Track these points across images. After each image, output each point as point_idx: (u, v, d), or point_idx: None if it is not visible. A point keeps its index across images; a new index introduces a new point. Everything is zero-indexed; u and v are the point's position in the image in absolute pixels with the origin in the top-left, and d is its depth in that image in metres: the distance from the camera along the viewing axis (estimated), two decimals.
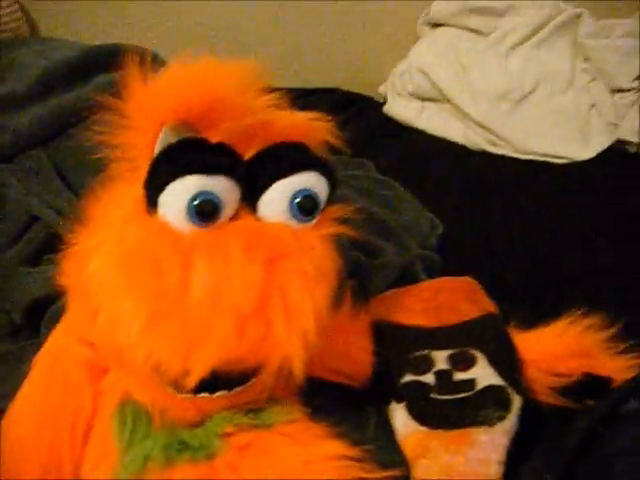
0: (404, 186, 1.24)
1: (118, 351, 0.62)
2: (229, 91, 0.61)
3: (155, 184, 0.58)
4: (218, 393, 0.64)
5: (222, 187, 0.58)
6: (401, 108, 1.61)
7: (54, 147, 1.09)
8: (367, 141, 1.40)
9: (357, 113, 1.60)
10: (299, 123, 0.67)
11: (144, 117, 0.61)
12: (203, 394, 0.63)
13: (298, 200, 0.61)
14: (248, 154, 0.62)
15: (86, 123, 1.04)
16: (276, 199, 0.61)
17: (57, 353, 0.71)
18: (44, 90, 1.11)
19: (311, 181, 0.62)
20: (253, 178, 0.61)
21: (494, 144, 1.48)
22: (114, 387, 0.68)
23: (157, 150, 0.60)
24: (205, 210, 0.57)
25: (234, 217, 0.60)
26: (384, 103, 1.67)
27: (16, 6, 1.63)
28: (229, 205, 0.59)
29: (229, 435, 0.65)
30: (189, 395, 0.63)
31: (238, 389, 0.64)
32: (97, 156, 0.64)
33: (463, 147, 1.50)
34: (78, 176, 1.04)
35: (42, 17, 1.73)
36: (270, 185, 0.61)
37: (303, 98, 1.40)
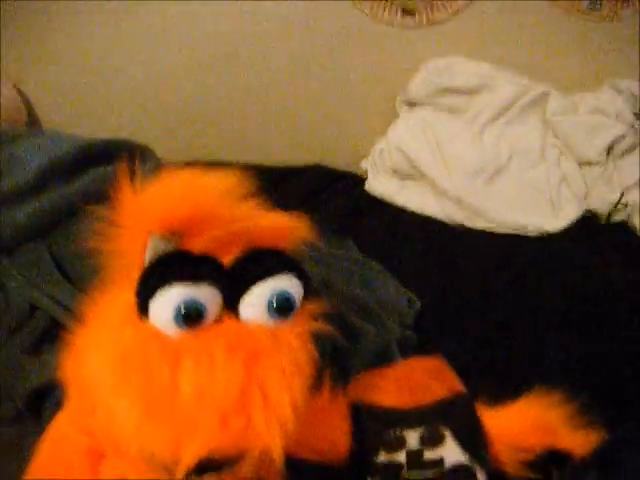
0: (384, 262, 1.29)
1: (115, 441, 0.67)
2: (212, 201, 0.68)
3: (145, 292, 0.65)
4: (207, 477, 0.68)
5: (205, 294, 0.65)
6: (381, 185, 1.66)
7: (53, 240, 1.15)
8: (349, 217, 1.45)
9: (340, 191, 1.66)
10: (278, 225, 0.74)
11: (133, 226, 0.67)
12: (193, 478, 0.68)
13: (275, 301, 0.67)
14: (229, 258, 0.69)
15: (82, 218, 1.09)
16: (255, 302, 0.67)
17: (59, 442, 0.76)
18: (42, 184, 1.16)
19: (286, 283, 0.69)
20: (233, 283, 0.67)
21: (471, 219, 1.53)
22: (112, 472, 0.72)
23: (147, 257, 0.66)
24: (191, 316, 0.64)
25: (217, 319, 0.66)
26: (366, 179, 1.72)
27: (14, 91, 1.70)
28: (212, 309, 0.66)
29: None
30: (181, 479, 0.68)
31: (225, 473, 0.69)
32: (92, 259, 0.70)
33: (441, 222, 1.55)
34: (76, 267, 1.10)
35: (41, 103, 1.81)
36: (249, 288, 0.67)
37: (286, 178, 1.47)
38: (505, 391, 0.89)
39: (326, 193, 1.59)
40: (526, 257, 1.41)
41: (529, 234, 1.49)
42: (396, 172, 1.66)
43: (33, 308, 1.06)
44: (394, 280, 1.24)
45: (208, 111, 1.82)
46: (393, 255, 1.35)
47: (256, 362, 0.64)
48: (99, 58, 1.78)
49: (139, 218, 0.67)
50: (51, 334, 1.01)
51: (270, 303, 0.68)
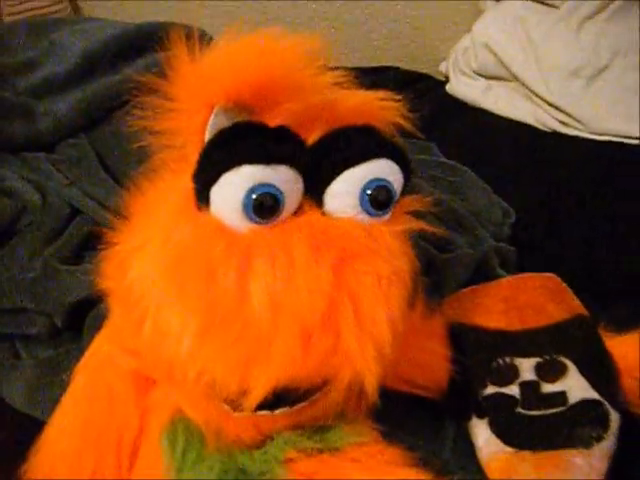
0: (473, 170, 1.16)
1: (167, 365, 0.55)
2: (287, 68, 0.54)
3: (207, 175, 0.51)
4: (279, 410, 0.57)
5: (284, 178, 0.51)
6: (465, 87, 1.53)
7: (97, 134, 1.03)
8: (430, 122, 1.32)
9: (418, 92, 1.53)
10: (366, 103, 0.60)
11: (192, 98, 0.54)
12: (262, 412, 0.56)
13: (370, 192, 0.54)
14: (311, 139, 0.55)
15: (130, 108, 0.98)
16: (345, 191, 0.54)
17: (100, 363, 0.65)
18: (85, 73, 1.06)
19: (384, 170, 0.55)
20: (318, 167, 0.54)
21: (566, 124, 1.39)
22: (163, 403, 0.61)
23: (208, 136, 0.53)
24: (265, 205, 0.50)
25: (297, 212, 0.53)
26: (445, 82, 1.60)
27: None
28: (291, 198, 0.52)
29: (292, 461, 0.58)
30: (247, 413, 0.56)
31: (302, 405, 0.57)
32: (142, 144, 0.57)
33: (533, 128, 1.41)
34: (123, 165, 0.98)
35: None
36: (338, 175, 0.54)
37: (360, 77, 1.34)
38: (629, 316, 0.75)
39: (403, 95, 1.45)
40: (629, 168, 1.25)
41: (631, 142, 1.33)
42: (482, 72, 1.52)
43: (74, 212, 0.95)
44: (486, 188, 1.10)
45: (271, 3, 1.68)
46: (482, 162, 1.20)
47: (347, 266, 0.51)
48: None
49: (199, 88, 0.53)
50: (94, 241, 0.88)
51: (364, 193, 0.54)
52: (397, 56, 1.74)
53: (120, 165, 0.99)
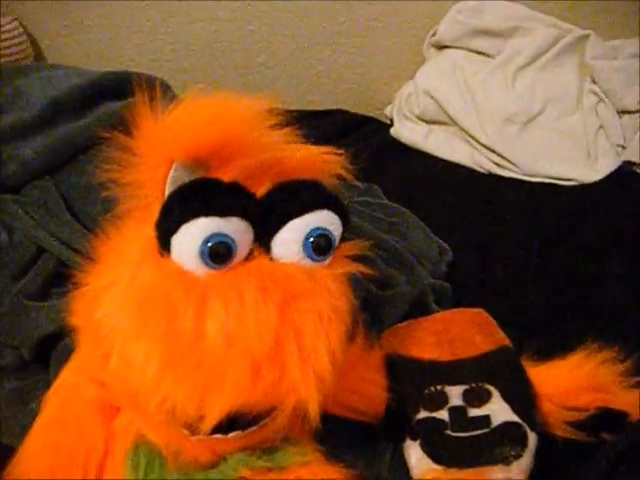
0: (411, 211, 1.22)
1: (131, 393, 0.61)
2: (242, 127, 0.61)
3: (168, 226, 0.58)
4: (232, 434, 0.63)
5: (236, 229, 0.58)
6: (408, 131, 1.59)
7: (61, 177, 1.07)
8: (374, 164, 1.38)
9: (363, 135, 1.59)
10: (310, 158, 0.66)
11: (153, 153, 0.60)
12: (217, 435, 0.62)
13: (312, 239, 0.60)
14: (260, 191, 0.61)
15: (95, 154, 1.03)
16: (290, 239, 0.60)
17: (68, 393, 0.70)
18: (51, 119, 1.09)
19: (325, 220, 0.61)
20: (266, 217, 0.60)
21: (501, 166, 1.46)
22: (127, 428, 0.67)
23: (168, 188, 0.59)
24: (219, 252, 0.57)
25: (248, 257, 0.59)
26: (390, 125, 1.66)
27: (20, 30, 1.63)
28: (242, 246, 0.58)
29: (244, 478, 0.64)
30: (203, 437, 0.62)
31: (252, 429, 0.63)
32: (105, 192, 0.63)
33: (471, 170, 1.49)
34: (86, 207, 1.03)
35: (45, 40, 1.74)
36: (284, 224, 0.60)
37: (308, 120, 1.40)
38: (552, 347, 0.83)
39: (349, 138, 1.51)
40: (560, 208, 1.33)
41: (563, 184, 1.41)
42: (424, 117, 1.59)
43: (40, 250, 0.99)
44: (425, 228, 1.16)
45: (223, 51, 1.73)
46: (422, 203, 1.27)
47: (291, 305, 0.57)
48: None
49: (160, 145, 0.59)
50: (59, 278, 0.94)
51: (307, 241, 0.60)
52: (345, 99, 1.79)
53: (83, 207, 1.03)
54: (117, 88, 1.13)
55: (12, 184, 1.07)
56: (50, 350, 0.86)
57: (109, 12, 1.72)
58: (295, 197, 0.61)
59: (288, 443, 0.67)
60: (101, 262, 0.65)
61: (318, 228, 0.61)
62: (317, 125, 1.44)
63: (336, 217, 0.62)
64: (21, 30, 1.65)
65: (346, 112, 1.72)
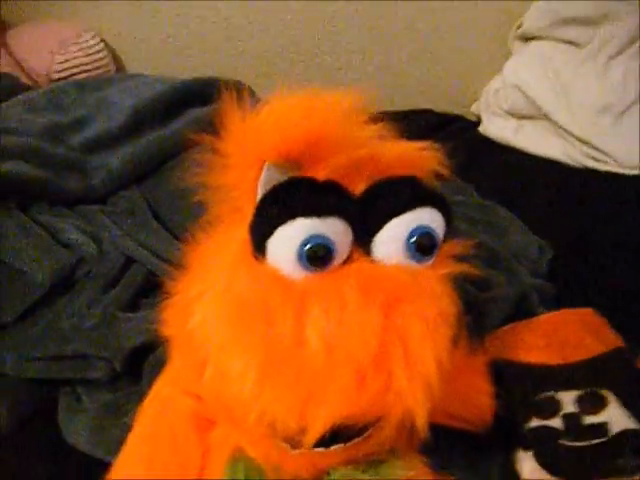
0: (508, 209, 1.19)
1: (228, 406, 0.58)
2: (334, 124, 0.57)
3: (263, 228, 0.54)
4: (334, 447, 0.59)
5: (335, 229, 0.54)
6: (497, 127, 1.55)
7: (148, 186, 1.07)
8: (464, 163, 1.34)
9: (451, 134, 1.55)
10: (407, 154, 0.63)
11: (244, 155, 0.57)
12: (319, 449, 0.58)
13: (415, 239, 0.56)
14: (356, 190, 0.58)
15: (181, 161, 1.02)
16: (391, 239, 0.57)
17: (162, 406, 0.68)
18: (136, 128, 1.09)
19: (428, 218, 0.58)
20: (365, 217, 0.57)
21: (597, 160, 1.40)
22: (223, 442, 0.64)
23: (260, 190, 0.56)
24: (318, 255, 0.53)
25: (347, 260, 0.56)
26: (478, 122, 1.63)
27: (101, 45, 1.65)
28: (342, 248, 0.55)
29: None
30: (304, 450, 0.58)
31: (355, 441, 0.60)
32: (194, 197, 0.60)
33: (564, 165, 1.44)
34: (174, 216, 1.02)
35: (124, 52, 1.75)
36: (384, 224, 0.57)
37: (393, 121, 1.36)
38: None
39: (437, 137, 1.47)
40: None
41: None
42: (513, 113, 1.54)
43: (129, 261, 0.98)
44: (522, 226, 1.12)
45: (308, 49, 1.71)
46: (516, 201, 1.23)
47: (396, 309, 0.53)
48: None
49: (251, 145, 0.57)
50: (149, 289, 0.94)
51: (409, 240, 0.57)
52: (430, 99, 1.75)
53: (171, 215, 1.03)
54: (202, 94, 1.12)
55: (99, 195, 1.07)
56: (142, 362, 0.85)
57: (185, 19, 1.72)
58: (395, 195, 0.58)
59: (393, 456, 0.64)
60: (192, 269, 0.62)
61: (421, 227, 0.57)
62: (403, 126, 1.40)
63: (439, 215, 0.58)
64: (102, 45, 1.66)
65: (432, 111, 1.69)
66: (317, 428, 0.52)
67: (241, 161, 0.57)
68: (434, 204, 0.58)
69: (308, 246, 0.53)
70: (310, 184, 0.55)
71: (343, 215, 0.55)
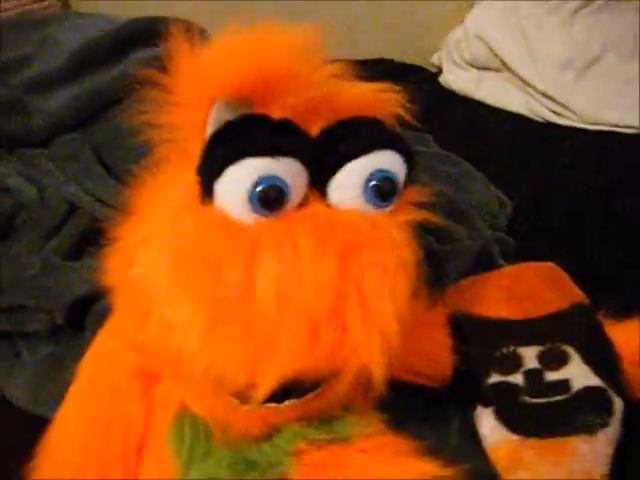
0: (467, 161, 1.16)
1: (174, 359, 0.55)
2: (289, 60, 0.53)
3: (211, 169, 0.51)
4: (286, 402, 0.56)
5: (289, 170, 0.50)
6: (458, 78, 1.54)
7: (92, 130, 1.03)
8: (423, 113, 1.31)
9: (411, 84, 1.50)
10: (366, 95, 0.59)
11: (193, 92, 0.53)
12: (269, 404, 0.55)
13: (374, 183, 0.53)
14: (312, 131, 0.54)
15: (127, 103, 0.97)
16: (349, 182, 0.53)
17: (104, 360, 0.65)
18: (79, 68, 1.05)
19: (388, 161, 0.54)
20: (321, 159, 0.53)
21: (559, 114, 1.39)
22: (168, 398, 0.61)
23: (210, 129, 0.52)
24: (270, 197, 0.50)
25: (301, 204, 0.52)
26: (438, 73, 1.61)
27: None
28: (296, 190, 0.51)
29: (301, 452, 0.58)
30: (254, 406, 0.55)
31: (308, 397, 0.57)
32: (140, 138, 0.56)
33: (526, 118, 1.43)
34: (119, 161, 0.98)
35: None
36: (342, 166, 0.53)
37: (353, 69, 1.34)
38: (627, 304, 0.76)
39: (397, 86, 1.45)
40: (622, 156, 1.26)
41: (625, 131, 1.34)
42: (474, 64, 1.53)
43: (72, 207, 0.94)
44: (483, 179, 1.09)
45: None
46: (476, 153, 1.20)
47: (352, 257, 0.51)
48: None
49: (200, 82, 0.53)
50: (93, 236, 0.88)
51: (368, 184, 0.53)
52: (389, 48, 1.73)
53: (115, 160, 0.99)
54: (150, 34, 1.07)
55: (39, 138, 1.02)
56: (84, 313, 0.81)
57: None
58: (354, 136, 0.54)
59: (348, 412, 0.61)
60: (136, 213, 0.58)
61: (381, 170, 0.54)
62: (361, 75, 1.38)
63: (400, 158, 0.55)
64: None
65: (391, 61, 1.67)
66: (267, 383, 0.50)
67: (190, 99, 0.53)
68: (395, 147, 0.55)
69: (259, 187, 0.49)
70: (263, 122, 0.52)
71: (298, 156, 0.51)
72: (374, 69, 1.45)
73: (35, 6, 1.56)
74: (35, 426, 0.65)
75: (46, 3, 1.57)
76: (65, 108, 1.02)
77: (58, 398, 0.66)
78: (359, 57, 1.58)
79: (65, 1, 1.65)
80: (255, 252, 0.49)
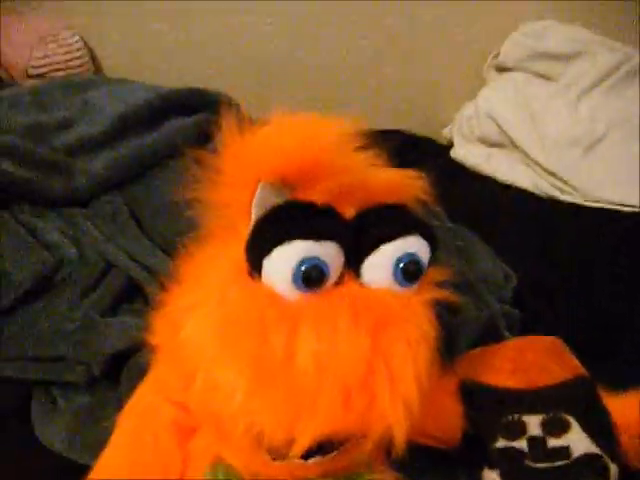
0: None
1: (215, 416, 0.60)
2: (329, 149, 0.60)
3: (260, 247, 0.57)
4: (312, 459, 0.61)
5: (329, 252, 0.56)
6: (468, 153, 1.59)
7: (131, 192, 1.08)
8: (436, 185, 1.36)
9: (422, 156, 1.56)
10: (394, 181, 0.65)
11: (241, 173, 0.59)
12: (298, 460, 0.60)
13: (403, 265, 0.59)
14: (346, 214, 0.60)
15: (166, 169, 1.02)
16: (380, 264, 0.59)
17: (144, 412, 0.69)
18: (121, 133, 1.10)
19: (415, 245, 0.60)
20: (356, 242, 0.59)
21: (562, 191, 1.45)
22: (205, 451, 0.66)
23: (255, 209, 0.58)
24: (312, 277, 0.56)
25: (337, 281, 0.58)
26: (449, 146, 1.66)
27: (81, 43, 1.65)
28: (334, 270, 0.57)
29: None
30: (284, 461, 0.60)
31: (333, 455, 0.62)
32: (184, 210, 0.62)
33: (531, 194, 1.48)
34: (155, 223, 1.03)
35: (105, 54, 1.75)
36: (375, 249, 0.59)
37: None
38: (625, 377, 0.82)
39: (408, 159, 1.50)
40: (625, 234, 1.31)
41: (626, 210, 1.39)
42: (484, 140, 1.58)
43: (109, 266, 0.99)
44: (490, 252, 1.15)
45: (293, 69, 1.74)
46: (484, 227, 1.26)
47: (383, 332, 0.56)
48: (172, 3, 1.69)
49: (248, 164, 0.59)
50: (128, 295, 0.95)
51: (397, 266, 0.59)
52: (402, 120, 1.78)
53: (153, 224, 1.03)
54: (187, 104, 1.13)
55: (81, 198, 1.07)
56: (120, 367, 0.85)
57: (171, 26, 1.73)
58: (386, 222, 0.60)
59: (369, 470, 0.66)
60: (184, 281, 0.64)
61: (408, 254, 0.60)
62: (373, 145, 1.42)
63: (425, 243, 0.61)
64: (81, 44, 1.66)
65: (402, 132, 1.71)
66: (303, 442, 0.55)
67: (237, 179, 0.59)
68: (421, 232, 0.61)
69: (303, 267, 0.55)
70: (308, 207, 0.58)
71: (337, 239, 0.57)
72: (387, 140, 1.51)
73: (65, 65, 1.61)
74: (70, 472, 0.70)
75: (78, 62, 1.62)
76: (106, 170, 1.07)
77: (94, 445, 0.70)
78: (373, 127, 1.65)
79: (98, 65, 1.71)
80: (297, 324, 0.55)
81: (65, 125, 1.13)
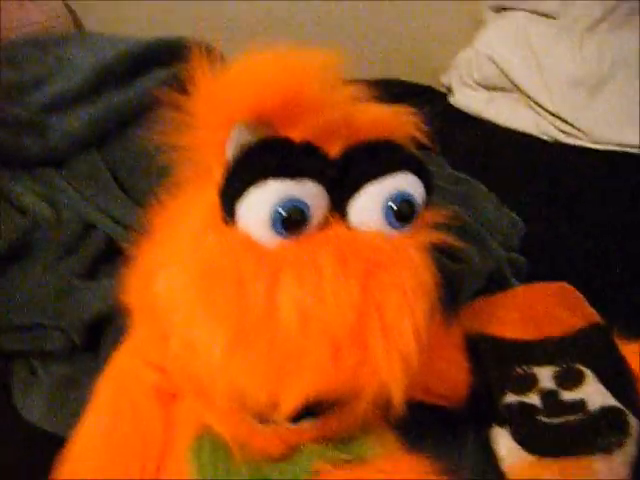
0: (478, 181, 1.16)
1: (194, 379, 0.55)
2: (308, 83, 0.54)
3: (233, 190, 0.51)
4: (305, 423, 0.56)
5: (310, 192, 0.51)
6: (468, 98, 1.54)
7: (109, 150, 1.03)
8: (436, 132, 1.32)
9: (420, 104, 1.51)
10: (384, 117, 0.60)
11: (214, 114, 0.54)
12: (288, 424, 0.55)
13: (394, 205, 0.54)
14: (331, 153, 0.55)
15: (144, 123, 0.98)
16: (369, 204, 0.54)
17: (122, 378, 0.65)
18: (96, 88, 1.05)
19: (407, 183, 0.55)
20: (342, 181, 0.53)
21: (568, 134, 1.40)
22: (188, 417, 0.61)
23: (230, 151, 0.53)
24: (292, 219, 0.50)
25: (322, 225, 0.53)
26: (447, 93, 1.61)
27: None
28: (317, 212, 0.52)
29: (320, 471, 0.58)
30: (274, 426, 0.56)
31: (327, 417, 0.57)
32: (158, 159, 0.57)
33: (535, 138, 1.43)
34: (136, 180, 0.98)
35: (86, 14, 1.69)
36: (362, 188, 0.54)
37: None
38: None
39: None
40: (634, 176, 1.26)
41: (635, 151, 1.34)
42: (484, 84, 1.53)
43: (88, 227, 0.94)
44: (494, 199, 1.10)
45: (279, 19, 1.69)
46: (487, 174, 1.20)
47: (374, 278, 0.51)
48: None
49: (221, 103, 0.53)
50: (109, 256, 0.90)
51: (388, 206, 0.54)
52: (398, 68, 1.73)
53: (132, 180, 0.99)
54: (168, 55, 1.08)
55: (57, 157, 1.02)
56: (101, 333, 0.81)
57: None
58: (374, 158, 0.55)
59: (366, 432, 0.61)
60: (156, 234, 0.59)
61: (400, 192, 0.54)
62: (371, 95, 1.39)
63: (419, 181, 0.56)
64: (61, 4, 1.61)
65: (400, 81, 1.66)
66: (289, 403, 0.50)
67: (210, 121, 0.54)
68: (414, 170, 0.56)
69: (282, 209, 0.50)
70: (285, 145, 0.52)
71: (319, 178, 0.52)
72: (384, 89, 1.47)
73: (47, 23, 1.56)
74: (51, 444, 0.65)
75: (60, 20, 1.57)
76: (82, 127, 1.02)
77: (74, 417, 0.65)
78: (366, 77, 1.61)
79: (78, 22, 1.66)
80: (278, 273, 0.50)
81: (39, 82, 1.08)
